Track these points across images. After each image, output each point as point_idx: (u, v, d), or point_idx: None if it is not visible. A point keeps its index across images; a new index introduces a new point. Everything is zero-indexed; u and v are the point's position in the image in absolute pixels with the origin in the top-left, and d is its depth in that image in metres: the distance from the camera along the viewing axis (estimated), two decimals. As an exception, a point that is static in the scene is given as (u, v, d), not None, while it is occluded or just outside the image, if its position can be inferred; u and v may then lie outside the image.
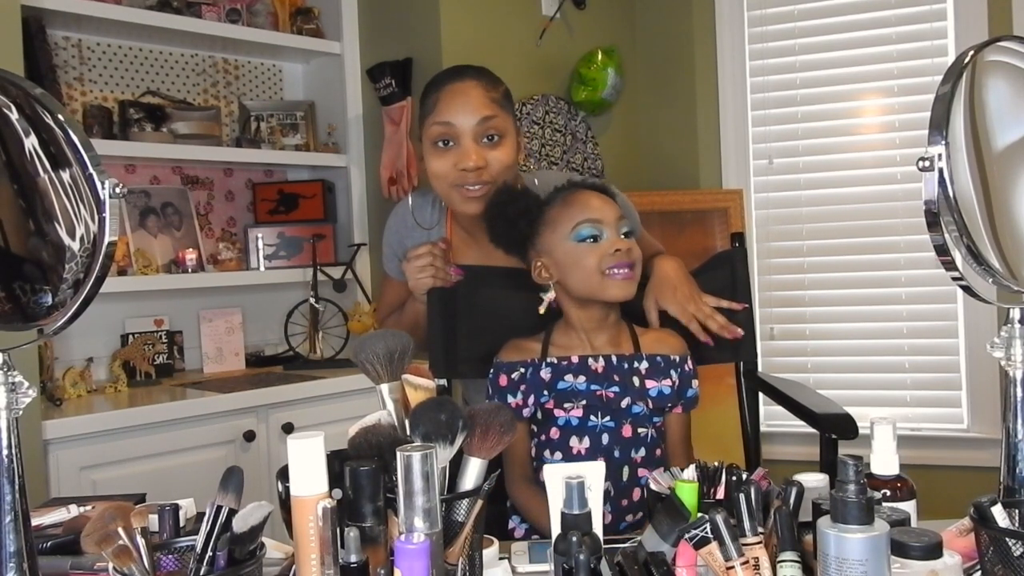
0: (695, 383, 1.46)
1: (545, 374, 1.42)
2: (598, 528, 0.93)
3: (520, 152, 1.63)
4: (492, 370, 1.47)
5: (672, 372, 1.44)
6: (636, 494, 1.40)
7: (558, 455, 1.40)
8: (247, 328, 2.80)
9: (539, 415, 1.43)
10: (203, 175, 2.84)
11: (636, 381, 1.42)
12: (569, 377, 1.41)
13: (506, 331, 1.53)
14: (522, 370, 1.44)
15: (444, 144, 1.56)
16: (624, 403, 1.40)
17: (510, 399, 1.42)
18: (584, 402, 1.40)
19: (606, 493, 1.36)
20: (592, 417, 1.40)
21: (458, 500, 0.89)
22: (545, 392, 1.41)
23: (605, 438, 1.40)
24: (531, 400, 1.42)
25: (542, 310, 1.46)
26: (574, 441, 1.40)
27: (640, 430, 1.41)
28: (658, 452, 1.43)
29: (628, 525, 1.39)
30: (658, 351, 1.45)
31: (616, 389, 1.40)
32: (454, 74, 1.61)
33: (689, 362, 1.46)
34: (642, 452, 1.41)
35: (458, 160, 1.55)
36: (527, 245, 1.48)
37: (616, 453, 1.39)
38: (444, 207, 1.71)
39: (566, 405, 1.40)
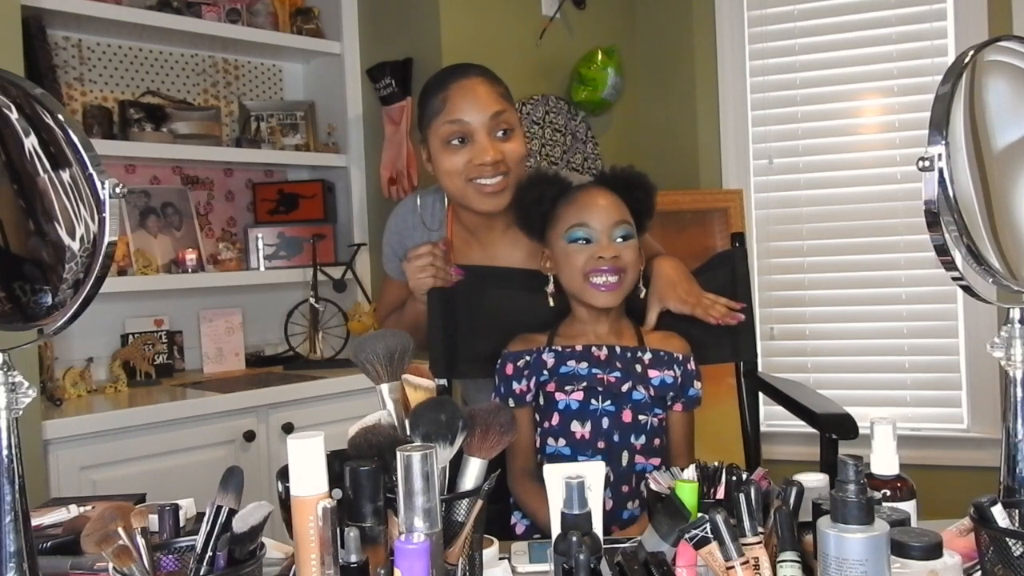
0: (697, 384, 1.47)
1: (548, 359, 1.45)
2: (598, 528, 0.93)
3: (526, 147, 1.64)
4: (500, 361, 1.50)
5: (675, 367, 1.46)
6: (635, 480, 1.41)
7: (561, 441, 1.42)
8: (247, 328, 2.80)
9: (542, 400, 1.45)
10: (203, 175, 2.84)
11: (638, 368, 1.44)
12: (571, 362, 1.44)
13: (507, 331, 1.54)
14: (528, 358, 1.47)
15: (459, 142, 1.56)
16: (625, 387, 1.42)
17: (515, 386, 1.45)
18: (584, 384, 1.42)
19: (605, 479, 1.37)
20: (592, 401, 1.42)
21: (458, 500, 0.89)
22: (546, 373, 1.44)
23: (605, 422, 1.41)
24: (533, 383, 1.45)
25: (551, 303, 1.50)
26: (575, 426, 1.42)
27: (640, 417, 1.42)
28: (657, 442, 1.44)
29: (630, 515, 1.39)
30: (662, 348, 1.48)
31: (618, 374, 1.43)
32: (457, 72, 1.61)
33: (692, 362, 1.48)
34: (642, 440, 1.42)
35: (474, 156, 1.55)
36: (537, 235, 1.52)
37: (616, 438, 1.41)
38: (446, 207, 1.71)
39: (567, 388, 1.43)
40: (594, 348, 1.45)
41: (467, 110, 1.55)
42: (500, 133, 1.56)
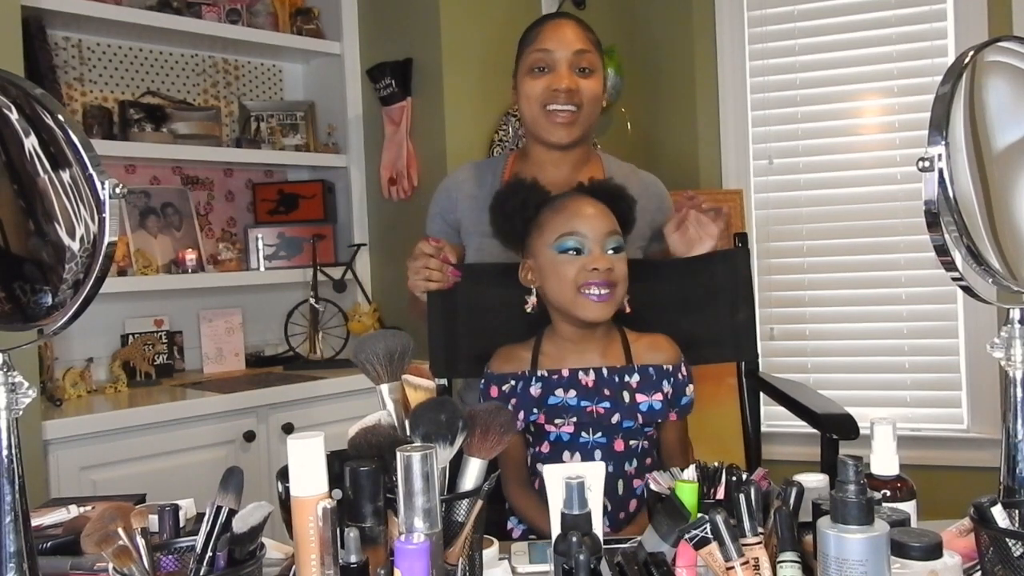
0: (690, 389, 1.43)
1: (535, 390, 1.40)
2: (598, 529, 0.93)
3: (604, 94, 1.75)
4: (483, 381, 1.46)
5: (665, 383, 1.41)
6: (632, 506, 1.39)
7: None
8: (247, 328, 2.81)
9: (531, 429, 1.42)
10: (203, 175, 2.84)
11: (626, 396, 1.39)
12: (559, 392, 1.39)
13: (506, 328, 1.52)
14: (512, 383, 1.42)
15: (540, 71, 1.67)
16: (615, 419, 1.38)
17: None
18: (575, 418, 1.39)
19: (603, 508, 1.36)
20: (583, 433, 1.39)
21: (458, 500, 0.89)
22: (535, 409, 1.40)
23: (597, 454, 1.38)
24: (521, 415, 1.40)
25: (528, 309, 1.45)
26: (566, 456, 1.39)
27: (632, 442, 1.40)
28: (648, 461, 1.42)
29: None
30: (651, 360, 1.42)
31: (607, 404, 1.38)
32: (556, 14, 1.81)
33: (683, 369, 1.44)
34: (634, 463, 1.40)
35: (551, 82, 1.65)
36: (517, 245, 1.47)
37: (610, 468, 1.36)
38: (504, 167, 1.75)
39: (557, 421, 1.39)
40: (581, 373, 1.40)
41: (554, 42, 1.66)
42: (581, 69, 1.66)
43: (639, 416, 1.39)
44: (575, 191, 1.46)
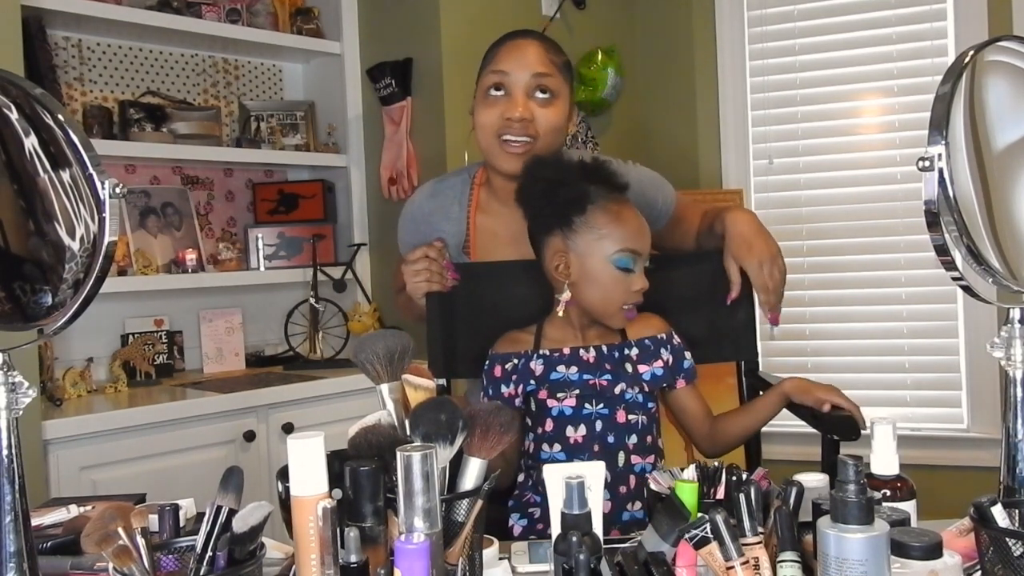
0: (688, 355, 1.48)
1: (536, 366, 1.43)
2: (598, 527, 0.93)
3: (571, 122, 1.63)
4: (487, 361, 1.48)
5: (663, 351, 1.45)
6: (633, 481, 1.41)
7: (556, 447, 1.41)
8: (247, 328, 2.80)
9: (533, 407, 1.44)
10: (203, 175, 2.84)
11: (628, 367, 1.43)
12: (561, 368, 1.42)
13: (505, 328, 1.53)
14: (515, 361, 1.45)
15: (496, 91, 1.57)
16: (617, 389, 1.41)
17: (503, 389, 1.44)
18: (577, 391, 1.41)
19: (603, 481, 1.37)
20: (586, 405, 1.41)
21: (458, 500, 0.89)
22: (535, 382, 1.42)
23: (599, 425, 1.41)
24: (520, 389, 1.43)
25: (560, 312, 1.42)
26: (570, 431, 1.41)
27: (631, 417, 1.42)
28: (649, 439, 1.44)
29: (630, 517, 1.39)
30: (644, 335, 1.46)
31: (609, 377, 1.42)
32: (517, 33, 1.63)
33: (676, 337, 1.48)
34: (634, 439, 1.42)
35: (506, 109, 1.55)
36: (554, 231, 1.42)
37: (611, 439, 1.40)
38: (470, 196, 1.69)
39: (559, 395, 1.41)
40: (582, 351, 1.43)
41: (511, 63, 1.56)
42: (540, 94, 1.56)
43: (644, 385, 1.42)
44: (618, 190, 1.42)
